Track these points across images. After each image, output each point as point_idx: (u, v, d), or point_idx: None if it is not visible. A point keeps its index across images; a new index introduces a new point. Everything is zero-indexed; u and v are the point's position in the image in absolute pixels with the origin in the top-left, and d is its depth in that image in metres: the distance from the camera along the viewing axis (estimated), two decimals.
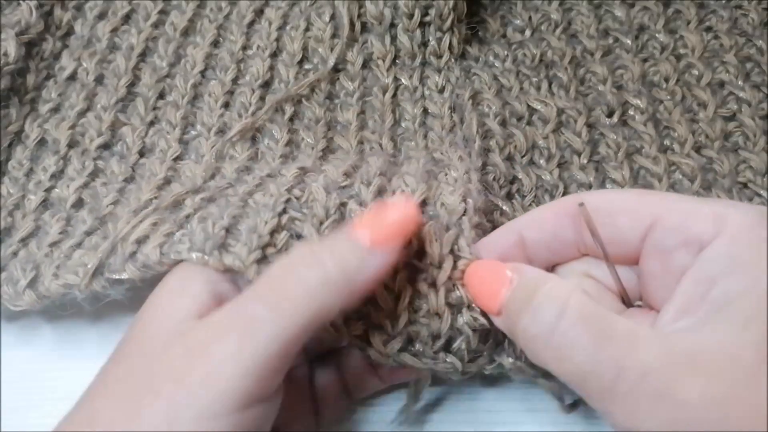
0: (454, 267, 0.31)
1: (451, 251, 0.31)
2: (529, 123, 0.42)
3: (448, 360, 0.32)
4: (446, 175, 0.36)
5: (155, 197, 0.38)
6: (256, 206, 0.33)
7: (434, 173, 0.36)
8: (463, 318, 0.31)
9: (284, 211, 0.32)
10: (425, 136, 0.42)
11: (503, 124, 0.42)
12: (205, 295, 0.28)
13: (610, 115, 0.42)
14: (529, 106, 0.43)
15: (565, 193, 0.40)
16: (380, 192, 0.33)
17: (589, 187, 0.40)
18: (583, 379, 0.24)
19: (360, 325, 0.31)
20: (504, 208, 0.38)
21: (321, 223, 0.32)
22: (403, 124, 0.43)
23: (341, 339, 0.31)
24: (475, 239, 0.33)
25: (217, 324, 0.26)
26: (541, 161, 0.41)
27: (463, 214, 0.33)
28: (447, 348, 0.32)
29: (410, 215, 0.28)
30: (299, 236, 0.32)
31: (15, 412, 0.37)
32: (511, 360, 0.32)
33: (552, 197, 0.40)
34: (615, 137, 0.41)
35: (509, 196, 0.39)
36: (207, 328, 0.26)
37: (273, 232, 0.31)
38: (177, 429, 0.24)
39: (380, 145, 0.42)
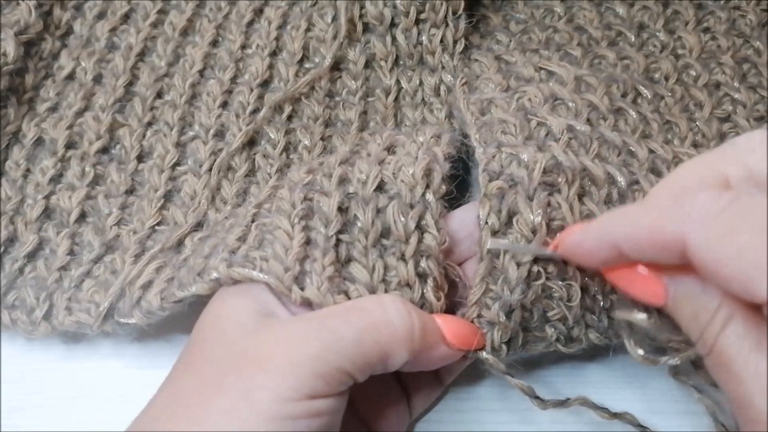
0: (421, 240, 0.33)
1: (418, 226, 0.33)
2: (541, 81, 0.39)
3: None
4: (413, 142, 0.36)
5: (158, 223, 0.41)
6: (232, 230, 0.35)
7: (401, 141, 0.37)
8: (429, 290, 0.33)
9: (252, 220, 0.35)
10: None
11: (506, 90, 0.39)
12: (265, 295, 0.32)
13: (624, 95, 0.41)
14: (539, 68, 0.40)
15: (598, 154, 0.35)
16: (341, 181, 0.34)
17: (619, 153, 0.36)
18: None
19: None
20: (523, 157, 0.33)
21: (289, 216, 0.33)
22: (403, 130, 0.43)
23: None
24: (443, 212, 0.34)
25: (305, 325, 0.29)
26: (569, 115, 0.37)
27: (427, 187, 0.34)
28: None
29: (471, 342, 0.33)
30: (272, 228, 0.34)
31: (15, 412, 0.37)
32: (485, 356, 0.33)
33: (587, 152, 0.35)
34: (633, 114, 0.39)
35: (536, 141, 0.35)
36: (297, 326, 0.29)
37: (241, 238, 0.34)
38: (255, 405, 0.27)
39: None
